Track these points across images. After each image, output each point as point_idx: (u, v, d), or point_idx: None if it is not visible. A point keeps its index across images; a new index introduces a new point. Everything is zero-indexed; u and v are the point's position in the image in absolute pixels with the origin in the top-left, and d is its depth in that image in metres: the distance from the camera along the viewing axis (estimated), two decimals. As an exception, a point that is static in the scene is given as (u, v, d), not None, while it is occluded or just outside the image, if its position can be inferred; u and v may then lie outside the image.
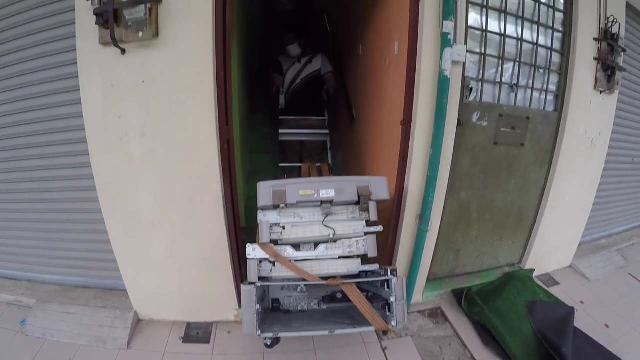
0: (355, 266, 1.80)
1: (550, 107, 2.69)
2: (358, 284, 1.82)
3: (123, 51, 1.84)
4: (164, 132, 1.97)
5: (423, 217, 2.23)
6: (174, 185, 2.06)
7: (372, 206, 1.84)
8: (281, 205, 1.81)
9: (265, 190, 1.81)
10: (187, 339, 2.28)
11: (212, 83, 1.89)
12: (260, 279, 1.81)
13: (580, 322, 2.44)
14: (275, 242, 1.83)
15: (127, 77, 1.88)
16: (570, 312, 2.43)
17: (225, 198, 2.11)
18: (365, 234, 1.86)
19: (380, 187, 1.88)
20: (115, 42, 1.78)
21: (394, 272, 1.72)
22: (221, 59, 1.91)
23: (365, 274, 1.92)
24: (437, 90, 2.05)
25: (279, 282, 1.73)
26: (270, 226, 1.82)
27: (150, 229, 2.15)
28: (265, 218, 1.83)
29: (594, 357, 2.16)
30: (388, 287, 1.72)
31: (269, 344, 1.77)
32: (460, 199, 2.49)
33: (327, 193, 1.80)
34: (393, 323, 1.68)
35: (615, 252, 3.55)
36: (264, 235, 1.80)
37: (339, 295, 1.78)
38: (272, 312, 2.14)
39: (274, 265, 1.80)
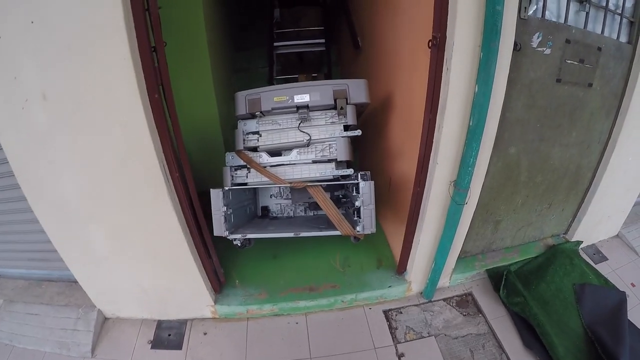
0: (328, 170, 1.80)
1: (623, 37, 2.00)
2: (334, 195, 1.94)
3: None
4: (70, 88, 1.37)
5: (460, 186, 1.61)
6: (96, 161, 1.51)
7: (350, 109, 1.80)
8: (257, 114, 1.83)
9: (240, 99, 1.83)
10: (157, 343, 1.93)
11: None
12: (238, 185, 1.89)
13: (633, 311, 2.08)
14: (254, 149, 1.86)
15: (13, 21, 1.29)
16: (622, 299, 2.10)
17: (169, 168, 1.53)
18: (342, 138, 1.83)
19: (358, 90, 1.82)
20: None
21: (364, 176, 1.70)
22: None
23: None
24: (486, -7, 1.35)
25: (251, 185, 1.85)
26: (247, 134, 1.86)
27: (84, 218, 1.68)
28: (244, 127, 1.88)
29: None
30: (357, 192, 1.71)
31: (239, 244, 1.87)
32: (508, 155, 1.86)
33: (302, 98, 1.79)
34: (359, 228, 1.68)
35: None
36: (239, 142, 1.86)
37: None
38: (259, 218, 2.23)
39: (249, 171, 1.84)
